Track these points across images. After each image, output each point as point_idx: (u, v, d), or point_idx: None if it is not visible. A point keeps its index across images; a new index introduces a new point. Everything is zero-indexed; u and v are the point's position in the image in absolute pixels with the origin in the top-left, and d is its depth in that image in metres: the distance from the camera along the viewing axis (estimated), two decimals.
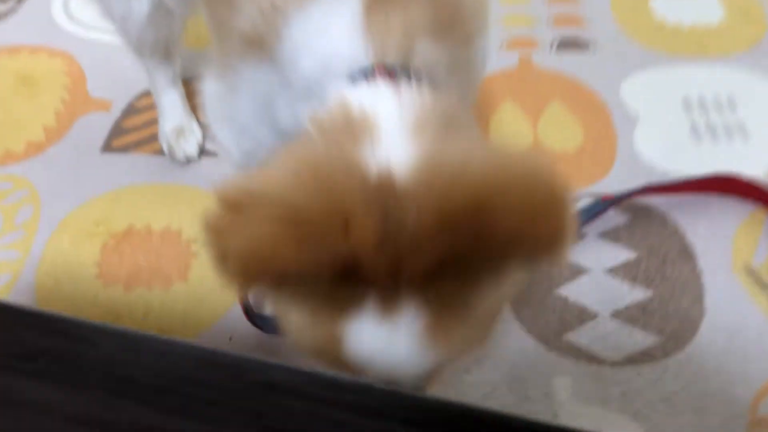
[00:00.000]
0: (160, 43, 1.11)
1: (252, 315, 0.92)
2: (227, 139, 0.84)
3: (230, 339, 0.99)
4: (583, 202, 1.11)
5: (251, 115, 0.75)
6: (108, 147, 1.23)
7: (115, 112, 1.29)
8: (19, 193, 1.16)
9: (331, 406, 0.30)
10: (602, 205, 1.09)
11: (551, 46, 1.38)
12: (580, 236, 1.08)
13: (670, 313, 0.99)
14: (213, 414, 0.29)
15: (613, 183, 1.15)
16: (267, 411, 0.30)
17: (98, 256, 1.08)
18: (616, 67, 1.33)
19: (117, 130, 1.25)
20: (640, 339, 0.97)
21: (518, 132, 1.24)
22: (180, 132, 1.20)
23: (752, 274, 1.03)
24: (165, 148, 1.20)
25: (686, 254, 1.06)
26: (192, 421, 0.28)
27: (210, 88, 0.82)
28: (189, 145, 1.20)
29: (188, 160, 1.20)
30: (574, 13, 1.45)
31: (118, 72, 1.33)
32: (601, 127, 1.24)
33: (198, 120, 1.24)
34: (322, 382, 0.31)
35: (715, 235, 1.08)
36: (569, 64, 1.34)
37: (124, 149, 1.22)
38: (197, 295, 1.03)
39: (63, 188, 1.16)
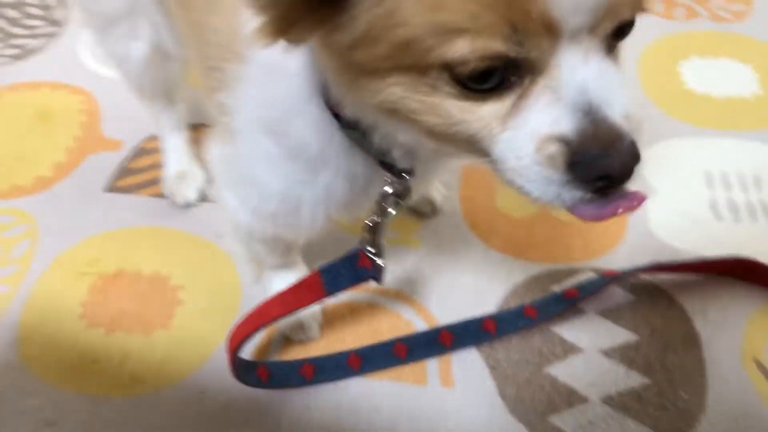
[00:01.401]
0: (160, 85, 1.12)
1: (238, 366, 0.89)
2: (233, 203, 0.84)
3: (201, 393, 0.96)
4: (584, 276, 1.06)
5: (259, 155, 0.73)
6: (112, 187, 1.23)
7: (124, 152, 1.30)
8: (20, 228, 1.17)
9: None
10: (603, 280, 1.03)
11: None
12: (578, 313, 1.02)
13: (667, 404, 0.92)
14: None
15: (620, 259, 1.10)
16: None
17: (85, 296, 1.07)
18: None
19: (123, 171, 1.26)
20: (632, 430, 0.90)
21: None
22: (182, 177, 1.21)
23: (763, 369, 0.95)
24: (166, 191, 1.21)
25: (691, 341, 0.99)
26: None
27: (215, 153, 0.82)
28: (189, 190, 1.19)
29: (187, 205, 1.19)
30: None
31: (134, 112, 1.34)
32: None
33: (202, 166, 1.24)
34: None
35: (724, 323, 1.01)
36: None
37: (128, 190, 1.23)
38: (177, 345, 1.01)
39: (62, 225, 1.17)
